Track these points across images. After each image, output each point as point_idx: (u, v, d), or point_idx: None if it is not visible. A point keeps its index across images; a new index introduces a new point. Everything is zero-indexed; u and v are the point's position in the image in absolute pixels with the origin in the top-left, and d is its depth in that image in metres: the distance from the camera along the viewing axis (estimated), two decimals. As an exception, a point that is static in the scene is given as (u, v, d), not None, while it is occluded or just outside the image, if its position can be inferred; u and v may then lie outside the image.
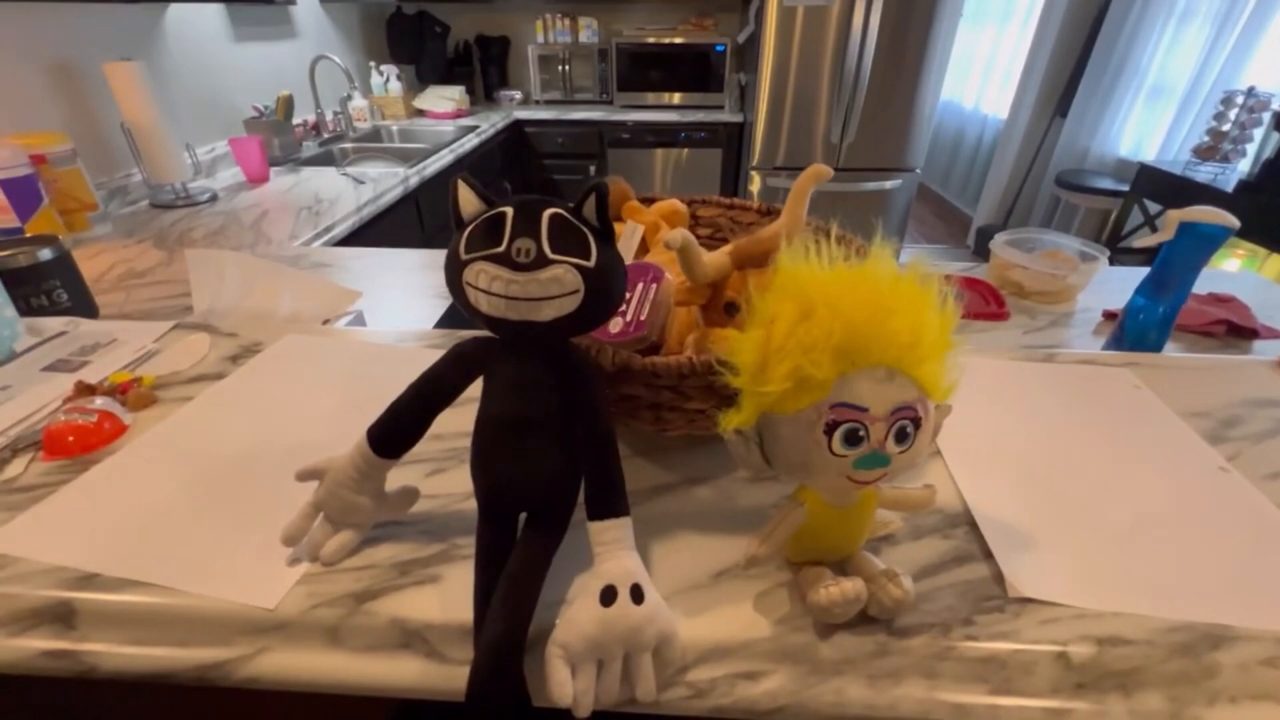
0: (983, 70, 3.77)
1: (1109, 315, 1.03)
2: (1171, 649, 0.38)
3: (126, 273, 1.18)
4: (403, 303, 1.06)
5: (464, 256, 0.37)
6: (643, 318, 0.52)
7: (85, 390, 0.58)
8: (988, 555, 0.44)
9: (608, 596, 0.36)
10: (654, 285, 0.53)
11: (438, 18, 2.93)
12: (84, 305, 0.88)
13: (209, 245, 1.36)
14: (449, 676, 0.38)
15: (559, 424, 0.40)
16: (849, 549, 0.42)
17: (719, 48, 2.82)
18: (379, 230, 1.68)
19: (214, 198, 1.67)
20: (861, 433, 0.34)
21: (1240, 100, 2.14)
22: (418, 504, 0.47)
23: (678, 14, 3.06)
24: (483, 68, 3.14)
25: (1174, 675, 0.37)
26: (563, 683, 0.34)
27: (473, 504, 0.48)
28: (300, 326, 0.75)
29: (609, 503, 0.39)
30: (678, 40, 2.85)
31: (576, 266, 0.36)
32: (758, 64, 2.58)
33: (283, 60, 2.20)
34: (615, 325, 0.52)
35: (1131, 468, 0.52)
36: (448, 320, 1.03)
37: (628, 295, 0.53)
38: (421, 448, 0.53)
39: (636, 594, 0.36)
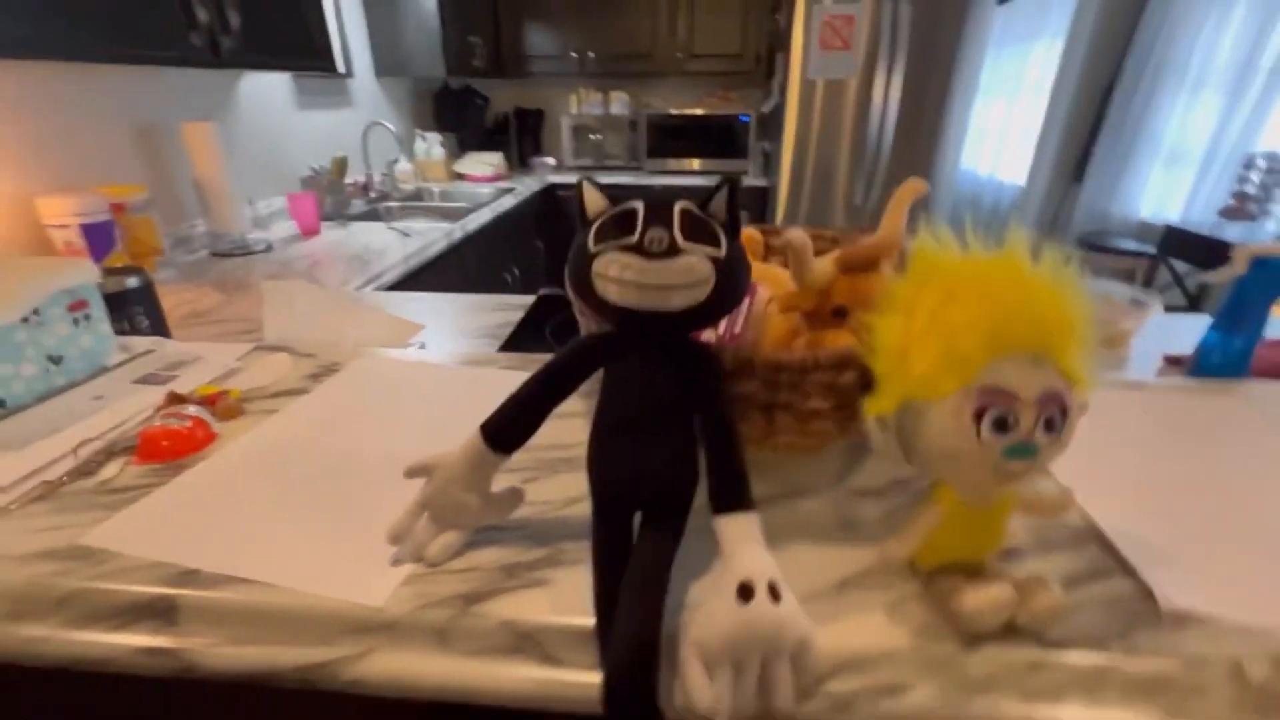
0: (996, 139, 3.91)
1: (1172, 360, 1.01)
2: (1358, 668, 0.34)
3: (189, 313, 1.22)
4: (457, 340, 1.08)
5: (594, 248, 0.38)
6: (737, 330, 0.52)
7: (177, 399, 0.58)
8: (1126, 572, 0.41)
9: (745, 593, 0.33)
10: (747, 299, 0.53)
11: (479, 91, 3.13)
12: (162, 333, 0.90)
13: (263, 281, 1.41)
14: (565, 684, 0.36)
15: (682, 418, 0.39)
16: (982, 554, 0.39)
17: (744, 118, 2.97)
18: (423, 282, 1.73)
19: (269, 248, 1.74)
20: (1010, 419, 0.33)
21: (1260, 163, 2.18)
22: (516, 512, 0.45)
23: (704, 87, 3.25)
24: (519, 137, 3.32)
25: (1366, 696, 0.34)
26: (700, 686, 0.32)
27: (571, 510, 0.47)
28: (373, 351, 0.76)
29: (737, 496, 0.37)
30: (704, 111, 3.01)
31: (708, 256, 0.37)
32: (780, 132, 2.70)
33: (339, 126, 2.35)
34: (710, 338, 0.53)
35: (1255, 482, 0.50)
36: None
37: (720, 309, 0.53)
38: (514, 458, 0.53)
39: (774, 591, 0.34)
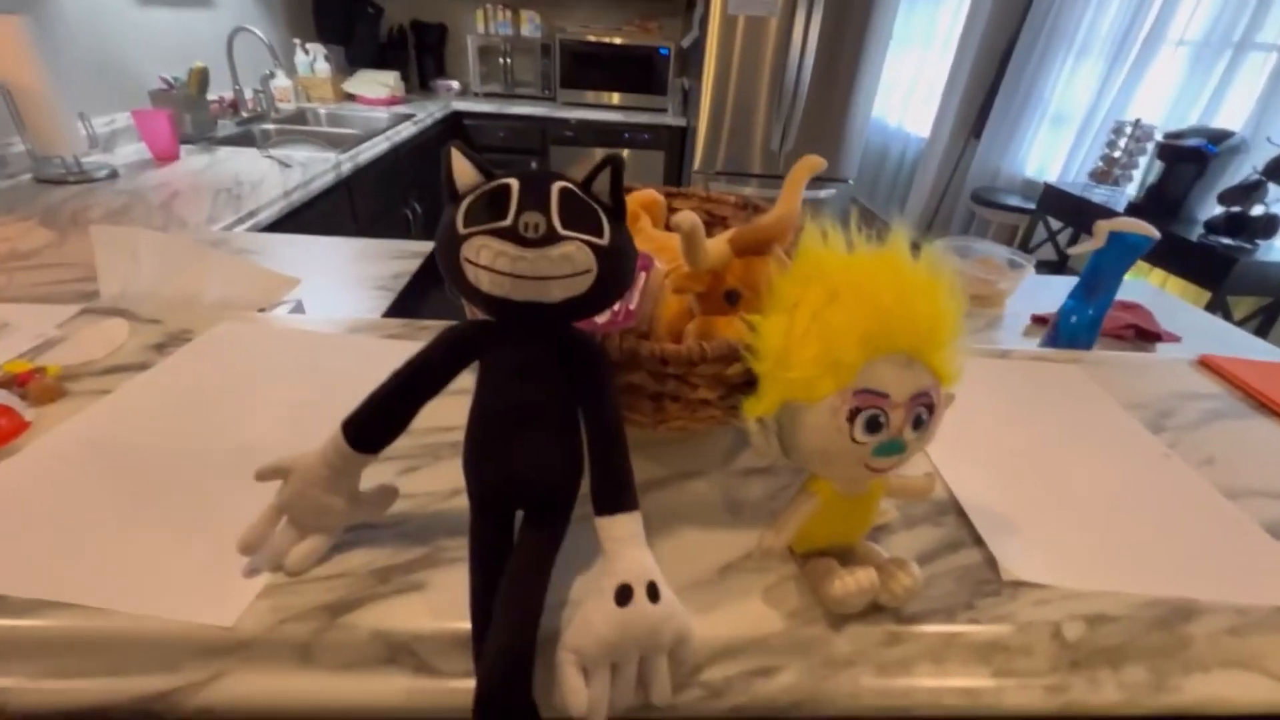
0: (906, 91, 4.01)
1: (1037, 319, 1.11)
2: (1149, 623, 0.40)
3: (8, 253, 1.03)
4: (343, 294, 0.99)
5: (463, 230, 0.34)
6: (631, 307, 0.50)
7: (-26, 381, 0.49)
8: (977, 541, 0.45)
9: (623, 596, 0.33)
10: (643, 274, 0.51)
11: (370, -1, 2.78)
12: (-40, 287, 0.75)
13: (114, 224, 1.21)
14: (444, 692, 0.35)
15: (563, 413, 0.37)
16: (854, 538, 0.41)
17: (663, 51, 2.84)
18: (308, 218, 1.56)
19: (114, 174, 1.50)
20: (882, 419, 0.34)
21: (1128, 130, 2.38)
22: (393, 506, 0.42)
23: (622, 14, 3.06)
24: (418, 55, 3.01)
25: (1154, 648, 0.39)
26: (576, 690, 0.32)
27: (453, 503, 0.45)
28: (234, 314, 0.68)
29: (619, 496, 0.36)
30: (622, 41, 2.85)
31: (589, 244, 0.34)
32: (701, 69, 2.62)
33: (195, 29, 2.01)
34: (603, 315, 0.50)
35: (1090, 455, 0.56)
36: (396, 313, 0.96)
37: (615, 283, 0.51)
38: (395, 444, 0.49)
39: (653, 592, 0.34)
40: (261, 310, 0.80)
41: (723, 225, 0.68)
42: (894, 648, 0.38)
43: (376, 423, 0.37)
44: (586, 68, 2.88)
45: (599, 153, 2.91)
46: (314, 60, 2.50)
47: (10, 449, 0.46)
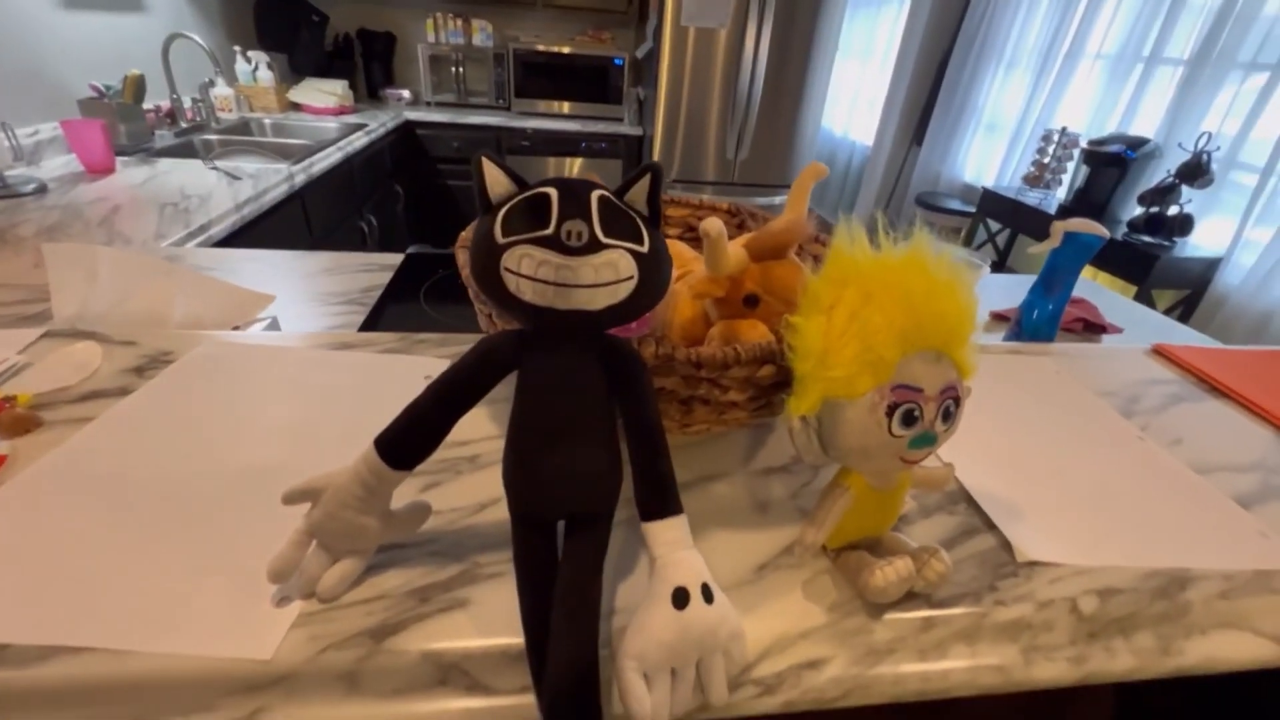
0: (850, 100, 4.18)
1: (997, 315, 1.17)
2: (1153, 593, 0.43)
3: (-70, 277, 0.94)
4: (314, 309, 0.95)
5: (502, 240, 0.34)
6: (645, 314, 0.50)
7: (-64, 415, 0.45)
8: (990, 527, 0.47)
9: (680, 599, 0.33)
10: (655, 280, 0.51)
11: (314, 5, 2.70)
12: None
13: (44, 242, 1.13)
14: (501, 710, 0.34)
15: (603, 422, 0.37)
16: (882, 530, 0.43)
17: (618, 61, 2.87)
18: (261, 232, 1.50)
19: (43, 188, 1.40)
20: (917, 413, 0.35)
21: (1056, 137, 2.55)
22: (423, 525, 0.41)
23: (575, 25, 3.07)
24: (365, 64, 2.94)
25: (1159, 616, 0.42)
26: (640, 697, 0.32)
27: (482, 517, 0.44)
28: (213, 334, 0.64)
29: (664, 501, 0.36)
30: (576, 51, 2.86)
31: (631, 252, 0.34)
32: (655, 79, 2.66)
33: (127, 35, 1.90)
34: (617, 321, 0.50)
35: (1074, 440, 0.59)
36: (369, 327, 0.93)
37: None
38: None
39: (707, 593, 0.34)
40: (236, 328, 0.76)
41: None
42: (930, 632, 0.39)
43: (413, 438, 0.36)
44: (541, 77, 2.87)
45: (553, 162, 2.92)
46: (256, 68, 2.40)
47: (-14, 486, 0.42)
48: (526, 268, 0.33)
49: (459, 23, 2.86)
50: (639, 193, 0.36)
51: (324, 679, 0.33)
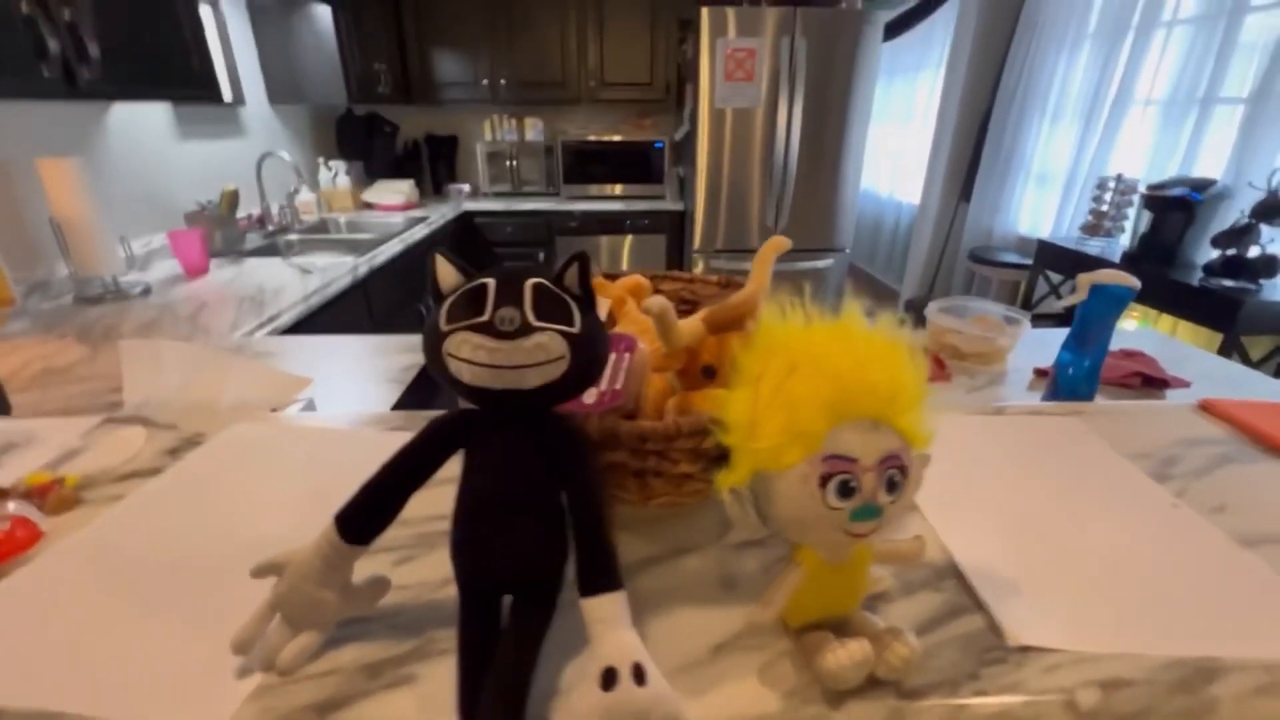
0: (892, 161, 4.21)
1: (1040, 372, 1.11)
2: (1171, 686, 0.38)
3: (43, 370, 1.09)
4: (355, 388, 1.03)
5: (445, 328, 0.37)
6: (618, 387, 0.52)
7: (-4, 495, 0.52)
8: (980, 606, 0.44)
9: (608, 680, 0.33)
10: (628, 355, 0.53)
11: (387, 118, 3.04)
12: (-4, 404, 0.80)
13: (143, 337, 1.29)
14: (430, 794, 0.34)
15: (546, 498, 0.38)
16: (848, 608, 0.41)
17: (658, 144, 3.04)
18: (327, 319, 1.64)
19: (147, 290, 1.60)
20: (854, 484, 0.34)
21: (1112, 185, 2.45)
22: (386, 598, 0.43)
23: (619, 115, 3.30)
24: (431, 164, 3.25)
25: (1178, 713, 0.37)
26: (564, 786, 0.31)
27: (447, 593, 0.45)
28: (247, 416, 0.71)
29: (602, 577, 0.36)
30: (620, 138, 3.06)
31: (561, 333, 0.37)
32: (694, 158, 2.79)
33: (229, 157, 2.21)
34: (590, 396, 0.52)
35: (1094, 510, 0.55)
36: (406, 404, 0.99)
37: (602, 365, 0.53)
38: (389, 534, 0.50)
39: (638, 674, 0.33)
40: (274, 410, 0.83)
41: (708, 303, 0.71)
42: (897, 725, 0.36)
43: (367, 514, 0.39)
44: (587, 164, 3.07)
45: (604, 240, 3.07)
46: (335, 175, 2.71)
47: (25, 559, 0.47)
48: (465, 352, 0.36)
49: (513, 122, 3.15)
50: (571, 279, 0.39)
51: (268, 753, 0.34)
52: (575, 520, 0.38)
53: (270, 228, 2.28)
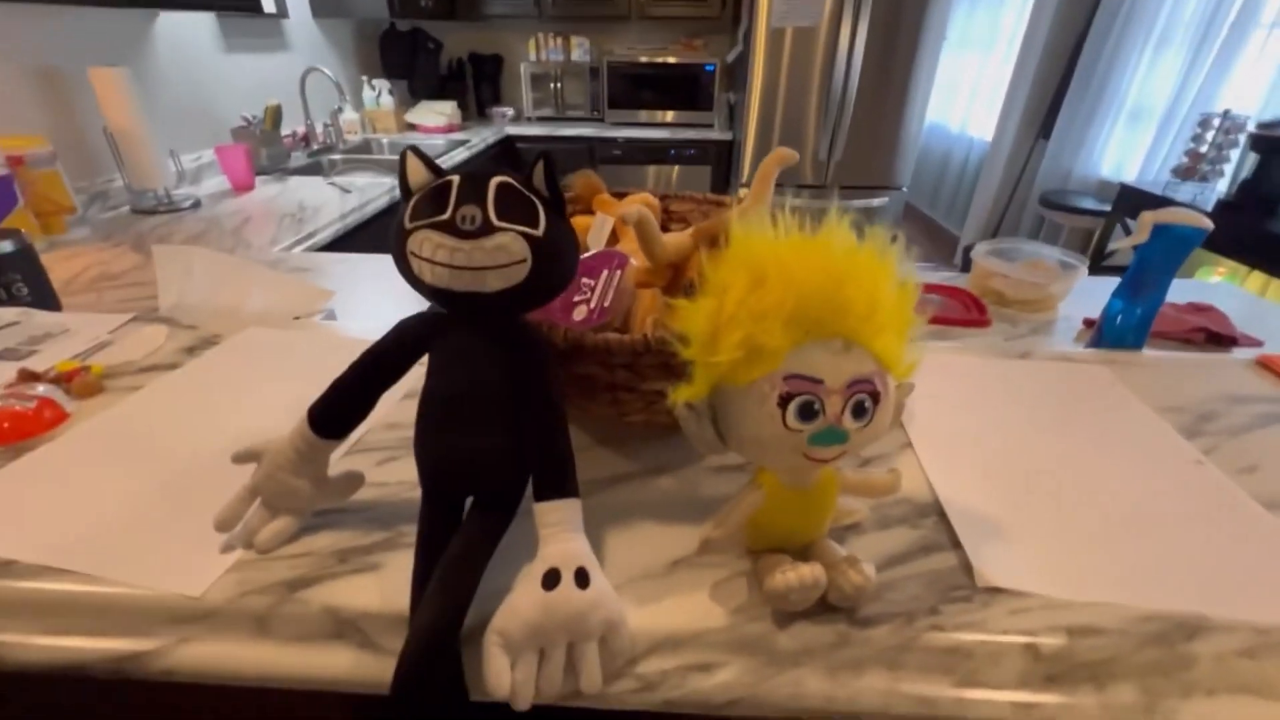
0: (968, 94, 3.85)
1: (1089, 323, 1.02)
2: (1145, 639, 0.36)
3: (100, 275, 1.16)
4: (378, 304, 1.05)
5: (408, 225, 0.36)
6: (606, 304, 0.51)
7: (28, 377, 0.56)
8: (956, 545, 0.42)
9: (550, 580, 0.34)
10: (618, 271, 0.52)
11: (431, 35, 2.97)
12: (46, 301, 0.85)
13: (155, 244, 1.35)
14: (384, 668, 0.36)
15: (505, 402, 0.38)
16: (810, 535, 0.40)
17: (709, 67, 2.86)
18: (363, 239, 1.67)
19: (197, 204, 1.65)
20: (817, 406, 0.33)
21: (1216, 122, 2.18)
22: (364, 492, 0.45)
23: (668, 34, 3.12)
24: (475, 84, 3.18)
25: (1147, 666, 0.35)
26: (499, 672, 0.32)
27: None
28: (267, 322, 0.73)
29: (556, 483, 0.37)
30: (669, 60, 2.89)
31: (524, 235, 0.35)
32: (746, 83, 2.62)
33: (273, 71, 2.21)
34: (579, 313, 0.51)
35: (1107, 461, 0.51)
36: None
37: (591, 282, 0.52)
38: (374, 436, 0.52)
39: (581, 578, 0.34)
40: (296, 319, 0.86)
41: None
42: (843, 649, 0.36)
43: (336, 409, 0.40)
44: (634, 88, 2.94)
45: (649, 170, 2.97)
46: (379, 95, 2.69)
47: (50, 436, 0.51)
48: (426, 251, 0.35)
49: (559, 40, 3.02)
50: (539, 178, 0.37)
51: (240, 619, 0.37)
52: (532, 426, 0.38)
53: (314, 146, 2.30)
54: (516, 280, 0.36)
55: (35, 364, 0.60)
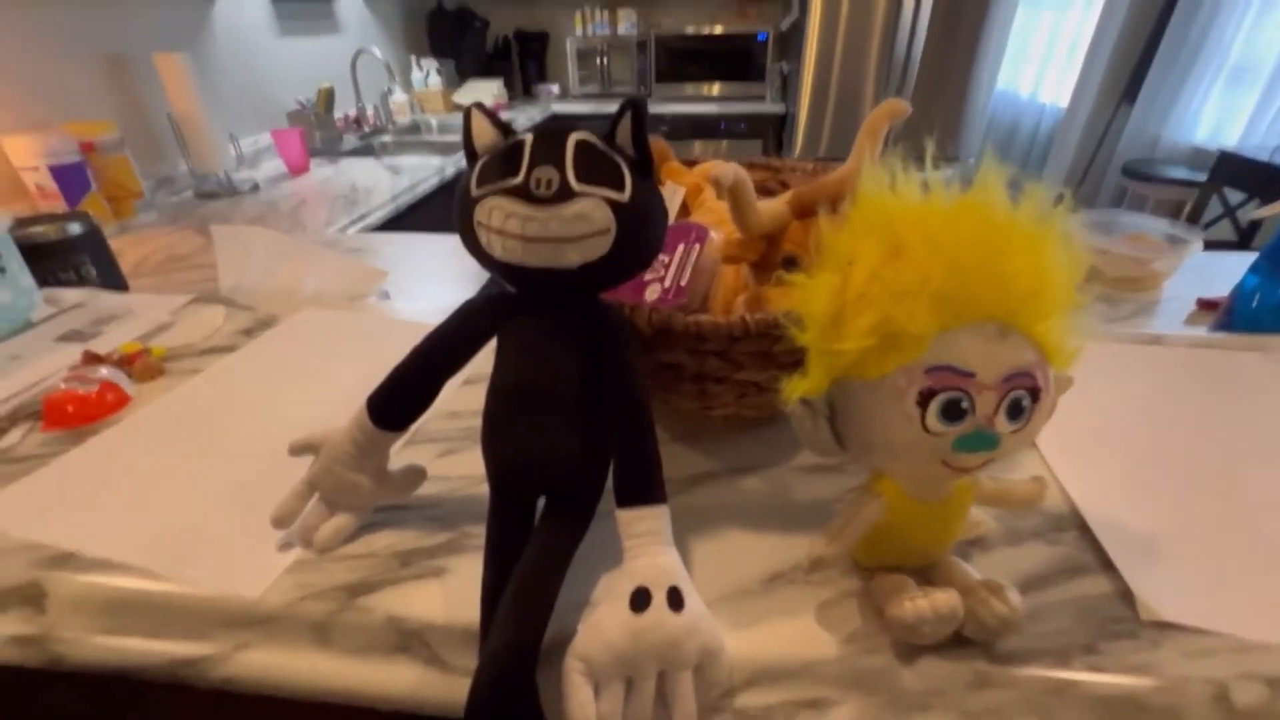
0: (1041, 57, 3.57)
1: (1205, 304, 0.91)
2: (1369, 695, 0.29)
3: (168, 258, 1.18)
4: (433, 285, 1.03)
5: (475, 192, 0.31)
6: (683, 283, 0.45)
7: (92, 360, 0.55)
8: (1107, 566, 0.35)
9: (640, 601, 0.29)
10: (697, 246, 0.46)
11: (477, 13, 2.93)
12: (114, 282, 0.86)
13: (213, 225, 1.36)
14: (451, 688, 0.33)
15: (584, 394, 0.33)
16: (935, 554, 0.34)
17: (761, 36, 2.73)
18: (415, 219, 1.66)
19: (256, 187, 1.68)
20: (965, 404, 0.27)
21: (1342, 78, 1.94)
22: (427, 488, 0.41)
23: (718, 3, 2.99)
24: (521, 62, 3.13)
25: (1375, 730, 0.28)
26: (584, 704, 0.28)
27: (487, 489, 0.43)
28: (323, 303, 0.71)
29: (642, 488, 0.32)
30: (718, 30, 2.78)
31: (608, 200, 0.30)
32: (801, 52, 2.49)
33: (325, 54, 2.22)
34: (653, 292, 0.46)
35: (1270, 466, 0.43)
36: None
37: (666, 259, 0.47)
38: (435, 426, 0.48)
39: (675, 598, 0.29)
40: (351, 299, 0.84)
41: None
42: (982, 691, 0.30)
43: (397, 400, 0.36)
44: (681, 61, 2.84)
45: (696, 146, 2.87)
46: (427, 75, 2.68)
47: (114, 420, 0.50)
48: (496, 221, 0.31)
49: (605, 14, 2.93)
50: (624, 134, 0.32)
51: (299, 626, 0.34)
52: (615, 423, 0.33)
53: (366, 129, 2.31)
54: (598, 254, 0.31)
55: (99, 345, 0.59)
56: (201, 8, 1.72)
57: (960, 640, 0.31)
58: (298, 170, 1.82)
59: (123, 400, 0.52)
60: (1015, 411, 0.27)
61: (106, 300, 0.70)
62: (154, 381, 0.55)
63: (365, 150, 2.20)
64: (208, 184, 1.63)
